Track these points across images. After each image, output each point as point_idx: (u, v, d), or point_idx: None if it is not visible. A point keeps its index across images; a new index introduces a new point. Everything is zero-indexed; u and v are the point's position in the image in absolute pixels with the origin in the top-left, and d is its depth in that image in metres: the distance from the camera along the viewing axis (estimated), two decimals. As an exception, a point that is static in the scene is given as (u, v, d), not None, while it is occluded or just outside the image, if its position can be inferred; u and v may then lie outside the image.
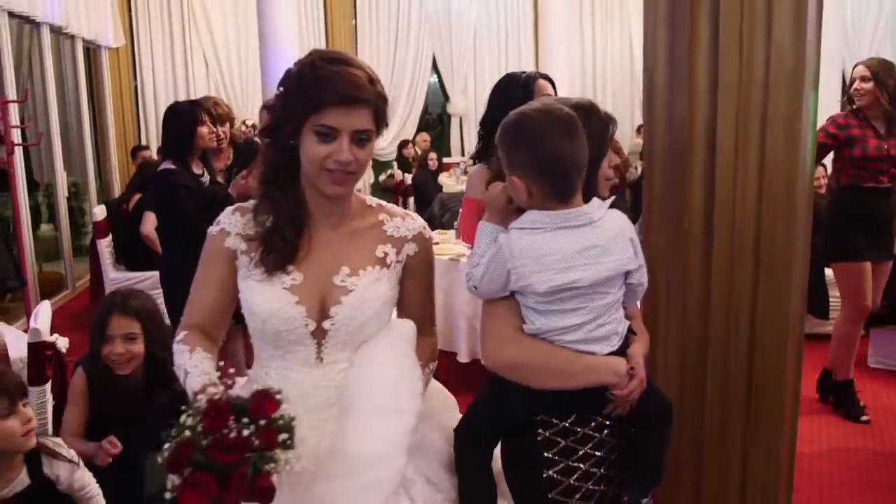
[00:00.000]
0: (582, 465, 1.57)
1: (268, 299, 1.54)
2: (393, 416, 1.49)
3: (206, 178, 3.64)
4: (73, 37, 7.45)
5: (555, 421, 1.57)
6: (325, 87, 1.45)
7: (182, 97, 8.33)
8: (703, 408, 2.03)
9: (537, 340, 1.56)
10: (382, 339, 1.59)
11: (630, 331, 1.66)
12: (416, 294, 1.67)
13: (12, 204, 5.75)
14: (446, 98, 10.46)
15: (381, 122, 1.53)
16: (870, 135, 3.72)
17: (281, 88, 1.53)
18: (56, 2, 6.77)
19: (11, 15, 6.13)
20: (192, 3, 8.76)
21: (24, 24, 6.55)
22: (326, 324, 1.55)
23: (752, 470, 2.02)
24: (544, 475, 1.56)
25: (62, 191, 7.03)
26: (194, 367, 1.51)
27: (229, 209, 1.63)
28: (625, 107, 9.96)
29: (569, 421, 1.58)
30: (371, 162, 1.85)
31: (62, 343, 2.57)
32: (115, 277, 5.60)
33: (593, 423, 1.59)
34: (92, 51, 8.16)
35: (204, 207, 3.19)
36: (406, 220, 1.66)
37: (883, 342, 4.67)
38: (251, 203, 1.61)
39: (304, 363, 1.57)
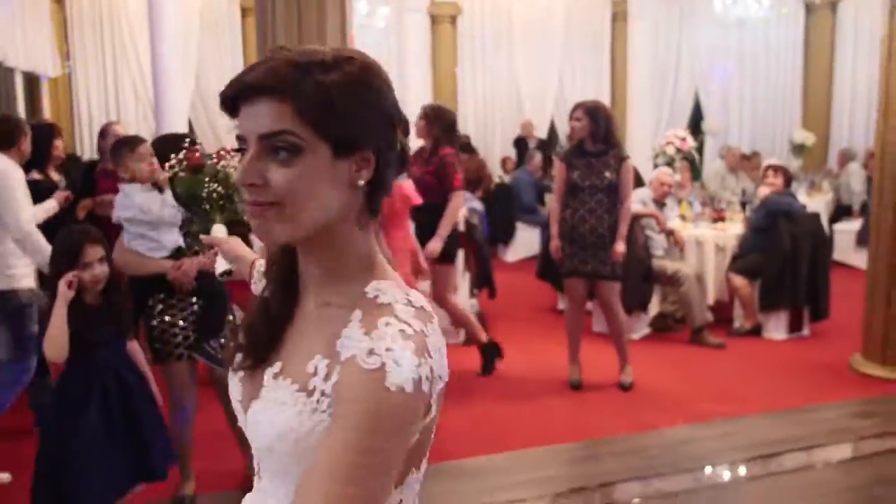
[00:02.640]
0: (180, 322, 2.97)
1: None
2: None
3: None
4: (12, 69, 8.63)
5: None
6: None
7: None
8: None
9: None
10: None
11: None
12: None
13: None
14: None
15: (325, 121, 0.95)
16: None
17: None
18: (-6, 39, 7.92)
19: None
20: (123, 38, 9.96)
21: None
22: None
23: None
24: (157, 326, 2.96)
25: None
26: None
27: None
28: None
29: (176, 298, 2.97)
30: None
31: None
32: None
33: (181, 297, 3.01)
34: (33, 80, 9.35)
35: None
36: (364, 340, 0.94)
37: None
38: None
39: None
